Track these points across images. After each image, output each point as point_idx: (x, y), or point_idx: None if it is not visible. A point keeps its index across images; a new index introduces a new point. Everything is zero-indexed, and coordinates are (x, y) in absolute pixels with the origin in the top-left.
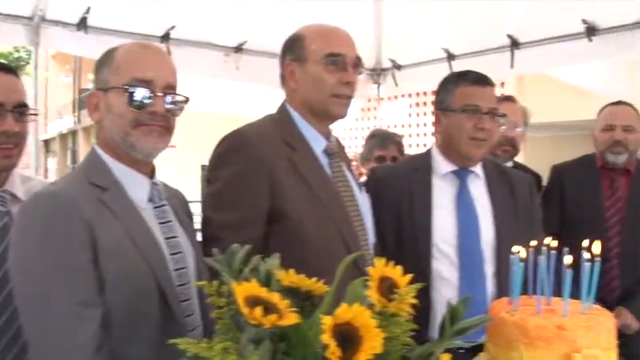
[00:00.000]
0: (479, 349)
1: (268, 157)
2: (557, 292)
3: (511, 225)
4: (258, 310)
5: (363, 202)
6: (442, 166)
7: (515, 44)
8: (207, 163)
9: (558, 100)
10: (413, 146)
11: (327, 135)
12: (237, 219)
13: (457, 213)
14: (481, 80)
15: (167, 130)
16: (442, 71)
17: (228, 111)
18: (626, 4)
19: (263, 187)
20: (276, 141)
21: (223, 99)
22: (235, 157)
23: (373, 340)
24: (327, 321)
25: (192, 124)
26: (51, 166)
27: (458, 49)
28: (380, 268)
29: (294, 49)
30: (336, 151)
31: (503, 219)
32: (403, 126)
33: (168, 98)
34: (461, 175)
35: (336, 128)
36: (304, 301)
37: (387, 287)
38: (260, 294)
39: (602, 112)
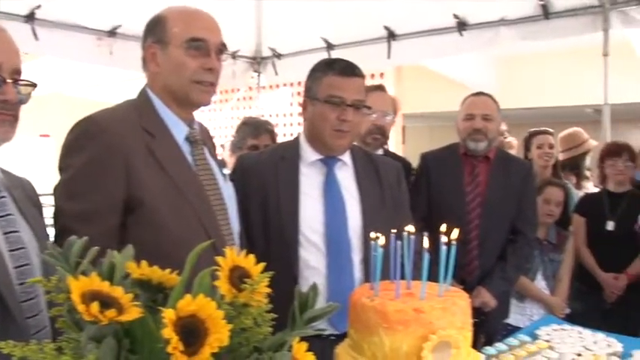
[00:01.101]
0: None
1: (124, 143)
2: (431, 276)
3: (378, 212)
4: (94, 306)
5: (227, 190)
6: (309, 154)
7: (391, 36)
8: None
9: (434, 91)
10: (295, 135)
11: (190, 122)
12: (90, 209)
13: (324, 201)
14: (348, 71)
15: (17, 119)
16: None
17: (106, 98)
18: (492, 3)
19: (118, 175)
20: (134, 127)
21: (100, 86)
22: (88, 144)
23: (219, 333)
24: (168, 314)
25: (67, 112)
26: None
27: (337, 39)
28: (230, 257)
29: (155, 31)
30: (198, 139)
31: (371, 206)
32: (285, 115)
33: (17, 85)
34: (328, 163)
35: (217, 117)
36: (157, 294)
37: (238, 277)
38: (100, 288)
39: (464, 102)
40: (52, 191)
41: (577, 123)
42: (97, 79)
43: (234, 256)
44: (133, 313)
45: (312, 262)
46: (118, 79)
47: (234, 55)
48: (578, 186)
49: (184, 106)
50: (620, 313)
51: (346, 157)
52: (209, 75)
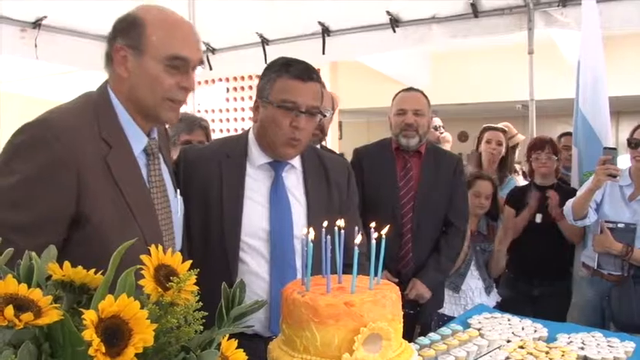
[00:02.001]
0: None
1: (79, 155)
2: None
3: (324, 218)
4: (9, 310)
5: (176, 205)
6: (257, 156)
7: (326, 31)
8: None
9: (371, 87)
10: (231, 131)
11: (150, 131)
12: (33, 221)
13: (270, 207)
14: (304, 75)
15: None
16: (257, 55)
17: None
18: (424, 1)
19: (68, 189)
20: (91, 136)
21: (26, 79)
22: (39, 151)
23: (144, 333)
24: (89, 315)
25: None
26: None
27: (272, 35)
28: (155, 255)
29: (130, 33)
30: (155, 151)
31: (317, 212)
32: (221, 110)
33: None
34: (276, 167)
35: None
36: (82, 296)
37: (165, 275)
38: (16, 291)
39: (395, 98)
40: None
41: (507, 118)
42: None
43: (159, 254)
44: (52, 316)
45: (254, 268)
46: (46, 73)
47: None
48: (501, 180)
49: (149, 121)
50: (547, 299)
51: (295, 161)
52: (183, 93)
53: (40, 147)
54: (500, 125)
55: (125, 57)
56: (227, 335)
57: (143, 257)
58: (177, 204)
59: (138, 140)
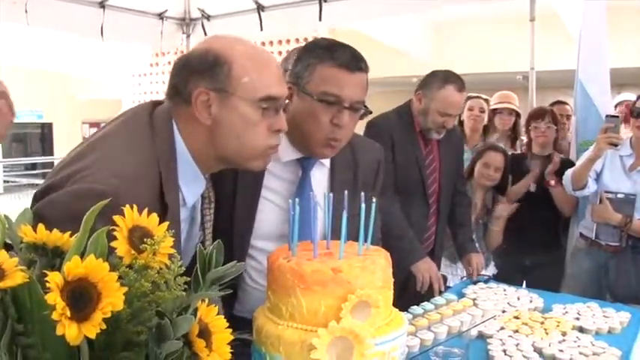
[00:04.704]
0: None
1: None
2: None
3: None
4: None
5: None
6: (285, 150)
7: None
8: None
9: (371, 57)
10: None
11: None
12: None
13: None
14: (352, 64)
15: None
16: (252, 22)
17: (29, 62)
18: None
19: None
20: (153, 200)
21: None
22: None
23: (113, 297)
24: (53, 278)
25: None
26: None
27: (267, 1)
28: (130, 216)
29: (214, 74)
30: (210, 195)
31: (339, 213)
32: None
33: None
34: (304, 164)
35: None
36: (55, 259)
37: (139, 237)
38: None
39: (443, 89)
40: None
41: (507, 89)
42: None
43: (133, 214)
44: (16, 278)
45: (264, 266)
46: (39, 42)
47: (161, 16)
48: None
49: (227, 166)
50: (539, 269)
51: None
52: (277, 138)
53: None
54: (506, 92)
55: (208, 103)
56: (207, 300)
57: (116, 218)
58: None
59: (195, 189)
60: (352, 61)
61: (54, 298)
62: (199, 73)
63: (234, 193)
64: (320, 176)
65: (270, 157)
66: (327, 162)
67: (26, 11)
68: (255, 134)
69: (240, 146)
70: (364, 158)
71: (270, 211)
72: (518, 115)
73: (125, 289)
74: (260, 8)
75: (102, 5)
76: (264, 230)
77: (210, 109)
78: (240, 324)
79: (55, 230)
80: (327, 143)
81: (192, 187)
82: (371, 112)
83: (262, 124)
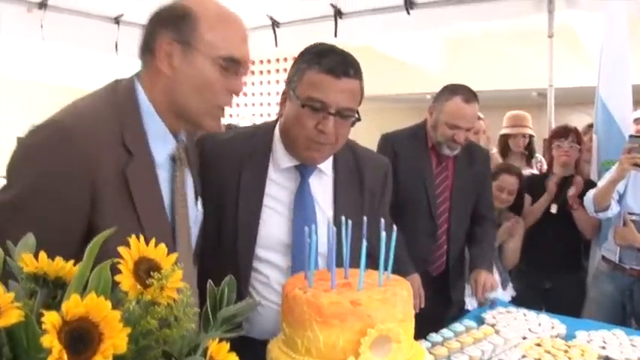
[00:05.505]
0: None
1: (95, 164)
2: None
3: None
4: None
5: (194, 215)
6: (282, 158)
7: (338, 14)
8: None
9: (384, 73)
10: (237, 116)
11: (178, 133)
12: (39, 238)
13: (293, 217)
14: (338, 69)
15: None
16: (267, 38)
17: (42, 77)
18: None
19: (80, 200)
20: (112, 142)
21: (37, 64)
22: (49, 156)
23: (116, 337)
24: (50, 318)
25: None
26: None
27: (282, 17)
28: (136, 247)
29: (180, 26)
30: (182, 157)
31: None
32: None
33: None
34: (302, 171)
35: None
36: (57, 290)
37: (145, 270)
38: None
39: (450, 100)
40: None
41: (522, 107)
42: (29, 56)
43: (140, 245)
44: (11, 317)
45: (269, 278)
46: (53, 56)
47: None
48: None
49: (186, 125)
50: (559, 292)
51: (326, 164)
52: (230, 99)
53: (49, 150)
54: (518, 113)
55: (170, 53)
56: (217, 338)
57: (121, 249)
58: (195, 212)
59: (164, 144)
60: (339, 66)
61: (50, 340)
62: (166, 23)
63: (236, 203)
64: (321, 184)
65: (221, 118)
66: (328, 170)
67: (42, 26)
68: (212, 91)
69: (198, 102)
70: (369, 168)
71: (272, 218)
72: (531, 135)
73: (129, 329)
74: (275, 24)
75: (117, 21)
76: (268, 239)
77: (172, 60)
78: (251, 348)
79: (57, 259)
80: (310, 146)
81: (158, 143)
82: (360, 120)
83: (219, 83)
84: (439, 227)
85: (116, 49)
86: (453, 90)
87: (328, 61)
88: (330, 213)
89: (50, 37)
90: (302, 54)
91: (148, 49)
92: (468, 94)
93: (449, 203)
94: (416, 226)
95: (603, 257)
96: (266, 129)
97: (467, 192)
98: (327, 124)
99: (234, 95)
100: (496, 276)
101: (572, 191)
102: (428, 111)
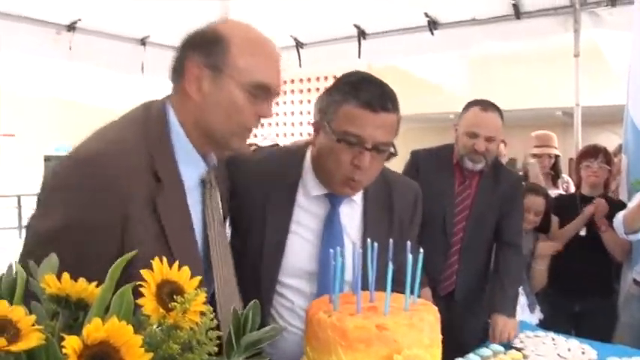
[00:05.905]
0: None
1: (127, 195)
2: None
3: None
4: None
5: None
6: (312, 185)
7: (362, 34)
8: (50, 153)
9: (408, 93)
10: (261, 137)
11: (207, 155)
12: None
13: (320, 245)
14: (375, 103)
15: None
16: (291, 59)
17: (70, 96)
18: (464, 2)
19: (113, 233)
20: (142, 170)
21: (63, 83)
22: (82, 189)
23: None
24: (71, 343)
25: (31, 111)
26: None
27: (306, 38)
28: (159, 270)
29: (211, 51)
30: (213, 182)
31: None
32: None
33: None
34: (332, 199)
35: None
36: (78, 312)
37: (168, 294)
38: None
39: (468, 111)
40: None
41: (546, 126)
42: (58, 76)
43: (163, 268)
44: (31, 340)
45: (293, 303)
46: (81, 77)
47: None
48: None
49: (215, 148)
50: (588, 316)
51: (356, 194)
52: (258, 122)
53: (82, 187)
54: (545, 133)
55: (200, 78)
56: None
57: (144, 272)
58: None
59: (195, 168)
60: (377, 100)
61: None
62: (197, 48)
63: (264, 223)
64: (351, 212)
65: (247, 139)
66: (358, 198)
67: (70, 48)
68: (241, 117)
69: (225, 125)
70: (399, 195)
71: (298, 245)
72: (557, 155)
73: (150, 355)
74: (299, 45)
75: (143, 42)
76: (293, 266)
77: (201, 84)
78: None
79: (80, 280)
80: (347, 183)
81: (189, 167)
82: (396, 154)
83: (248, 108)
84: (452, 245)
85: (142, 70)
86: (472, 102)
87: (365, 95)
88: (358, 241)
89: (78, 58)
90: (336, 84)
91: (178, 73)
92: (486, 103)
93: (466, 222)
94: (428, 241)
95: (634, 280)
96: (295, 152)
97: (488, 212)
98: (363, 160)
99: (261, 119)
100: (522, 298)
101: (590, 210)
102: (453, 128)
